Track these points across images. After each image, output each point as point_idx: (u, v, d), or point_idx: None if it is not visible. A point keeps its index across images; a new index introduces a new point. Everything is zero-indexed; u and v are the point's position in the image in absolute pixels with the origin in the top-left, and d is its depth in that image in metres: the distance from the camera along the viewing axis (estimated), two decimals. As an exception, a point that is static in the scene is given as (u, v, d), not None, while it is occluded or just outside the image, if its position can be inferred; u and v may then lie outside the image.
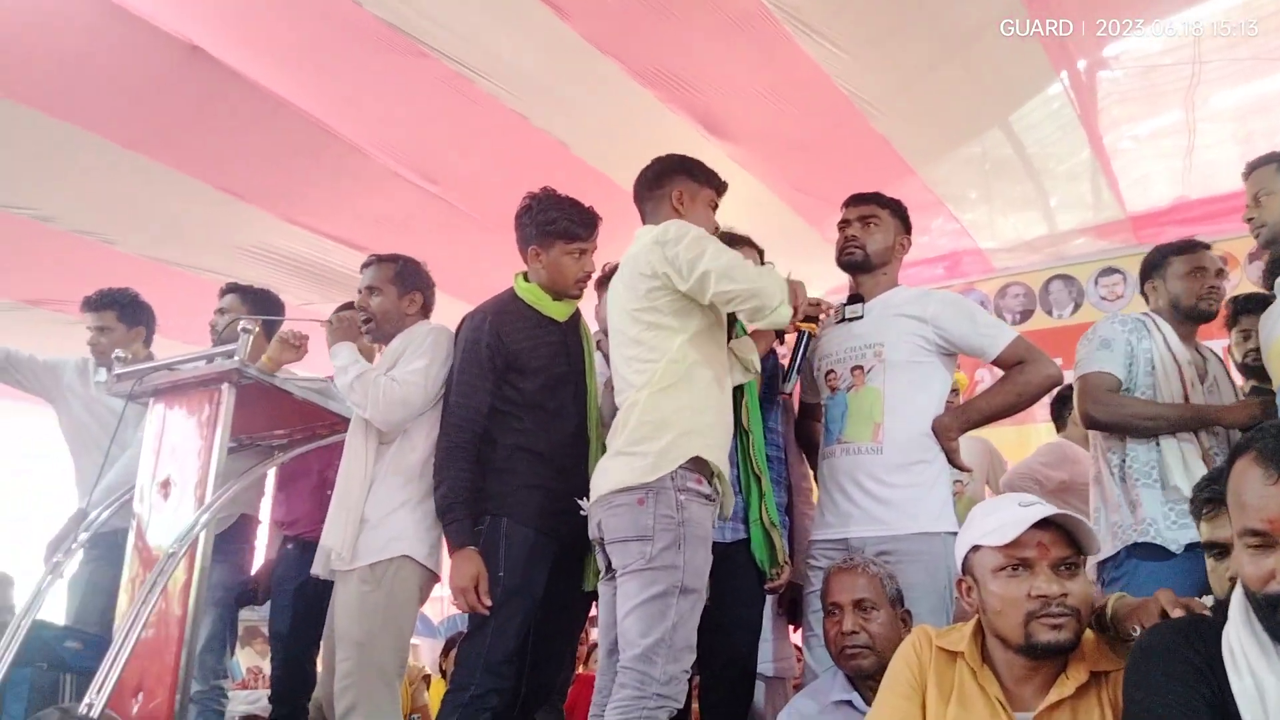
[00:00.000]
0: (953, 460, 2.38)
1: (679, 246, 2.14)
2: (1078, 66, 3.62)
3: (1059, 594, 1.50)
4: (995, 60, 3.54)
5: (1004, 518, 1.56)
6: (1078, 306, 4.98)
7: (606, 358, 2.42)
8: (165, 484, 2.57)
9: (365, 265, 2.77)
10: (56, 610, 3.11)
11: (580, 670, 3.89)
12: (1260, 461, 1.20)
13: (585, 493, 2.23)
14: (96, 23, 3.23)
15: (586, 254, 2.56)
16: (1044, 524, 1.53)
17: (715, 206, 2.41)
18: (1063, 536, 1.54)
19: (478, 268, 4.24)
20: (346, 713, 2.34)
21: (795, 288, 2.27)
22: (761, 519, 2.43)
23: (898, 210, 2.59)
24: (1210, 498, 1.61)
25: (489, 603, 2.29)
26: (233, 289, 3.35)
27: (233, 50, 3.46)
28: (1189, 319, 2.58)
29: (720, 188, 2.42)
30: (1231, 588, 1.47)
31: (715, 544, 2.36)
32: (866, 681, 2.05)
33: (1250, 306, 2.86)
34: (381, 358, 2.66)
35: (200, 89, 3.55)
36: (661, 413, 2.12)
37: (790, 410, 2.81)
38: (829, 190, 4.23)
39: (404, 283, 2.72)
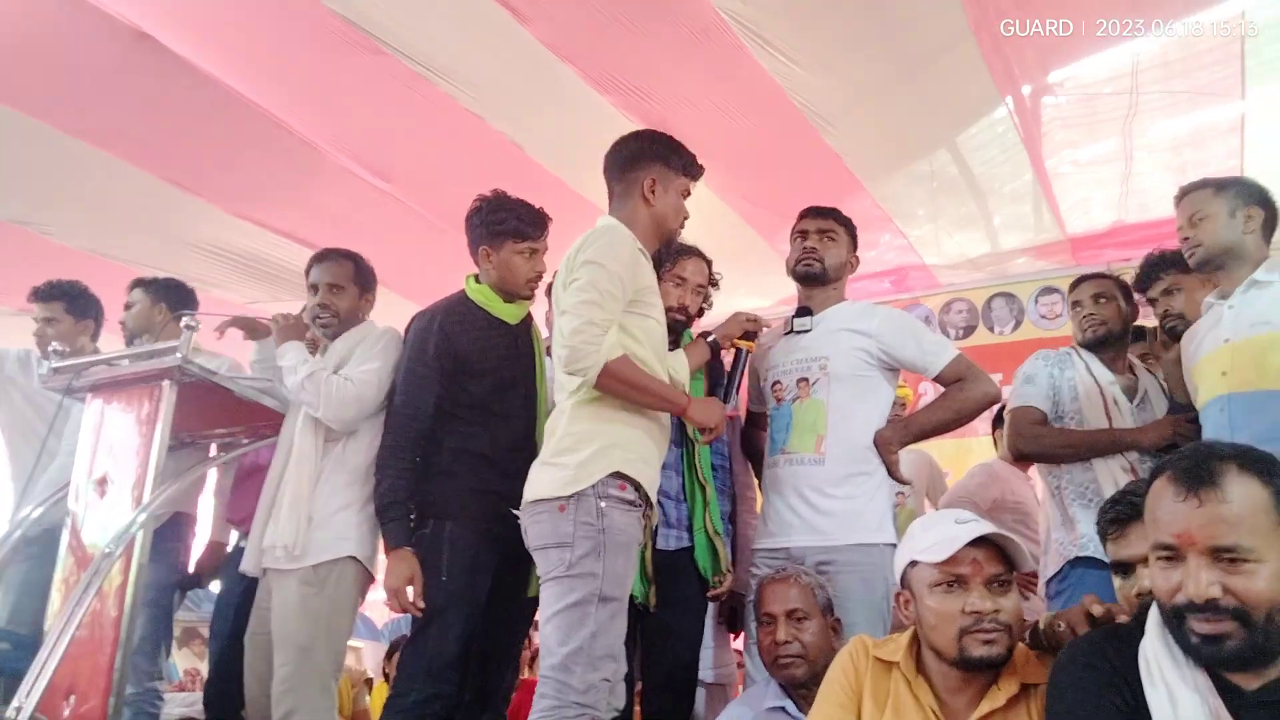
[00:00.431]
0: (893, 473, 2.43)
1: (580, 258, 2.10)
2: (1023, 92, 3.72)
3: (991, 610, 1.56)
4: (945, 82, 3.62)
5: (941, 534, 1.62)
6: (1018, 324, 5.11)
7: None
8: (102, 481, 2.51)
9: (320, 259, 2.72)
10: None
11: (525, 675, 3.88)
12: (1173, 480, 1.29)
13: None
14: (39, 3, 3.14)
15: (537, 254, 2.57)
16: (978, 541, 1.59)
17: (688, 194, 2.30)
18: (996, 554, 1.60)
19: (430, 268, 4.22)
20: (285, 717, 2.31)
21: (734, 318, 2.42)
22: (705, 527, 2.47)
23: (851, 229, 2.65)
24: (1115, 519, 1.68)
25: (422, 605, 2.29)
26: (138, 283, 3.30)
27: (182, 39, 3.39)
28: (1089, 349, 2.72)
29: (696, 174, 2.30)
30: (1138, 605, 1.55)
31: (659, 551, 2.40)
32: (799, 689, 2.10)
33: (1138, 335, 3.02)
34: (324, 356, 2.63)
35: (148, 77, 3.47)
36: (583, 424, 2.08)
37: (736, 419, 2.85)
38: (781, 203, 4.28)
39: (363, 281, 2.72)
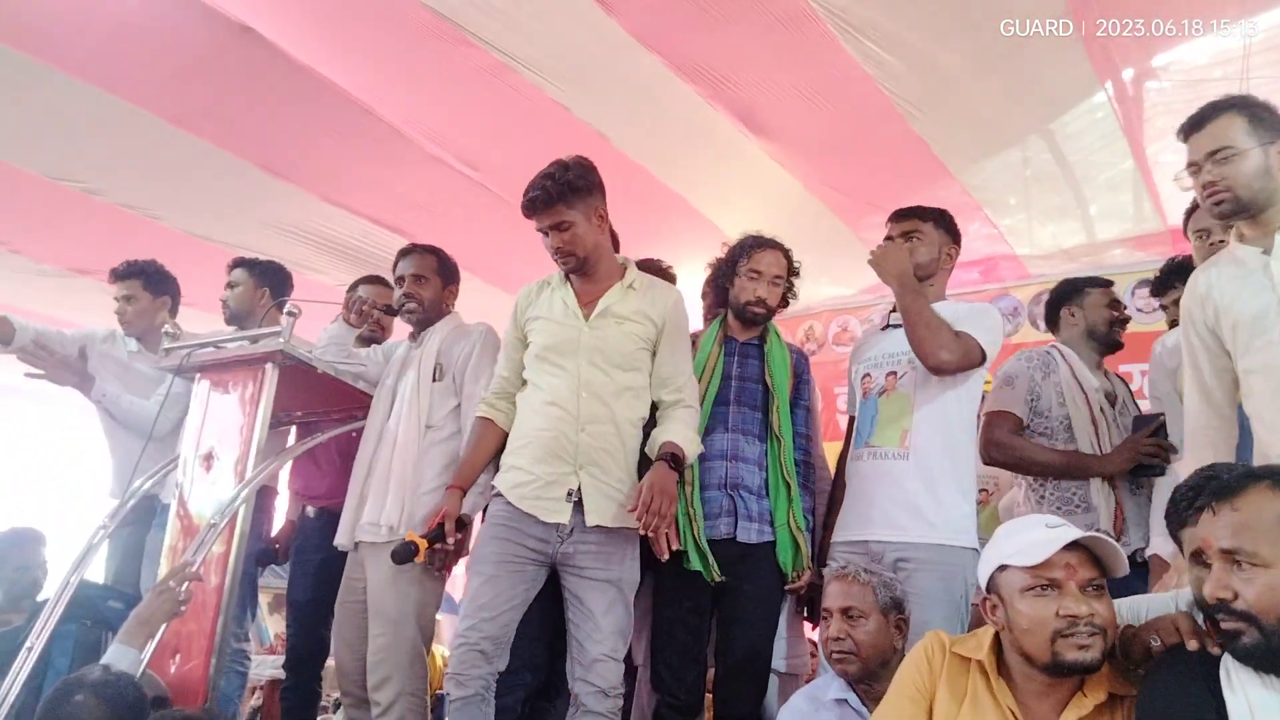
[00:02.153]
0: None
1: None
2: (1123, 77, 3.58)
3: (1087, 614, 1.53)
4: (1039, 67, 3.51)
5: (1031, 539, 1.60)
6: (1113, 317, 4.93)
7: None
8: (208, 457, 2.65)
9: (405, 253, 2.86)
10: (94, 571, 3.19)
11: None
12: (1208, 498, 1.43)
13: None
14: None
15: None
16: (1071, 546, 1.57)
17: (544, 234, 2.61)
18: (1089, 559, 1.58)
19: (514, 255, 4.29)
20: (381, 684, 2.45)
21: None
22: (789, 523, 2.48)
23: (941, 221, 2.61)
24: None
25: None
26: (240, 263, 3.42)
27: (279, 29, 3.50)
28: (1103, 345, 2.73)
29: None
30: None
31: (740, 544, 2.42)
32: (862, 683, 2.11)
33: None
34: (420, 348, 2.73)
35: (246, 66, 3.58)
36: None
37: (815, 412, 2.83)
38: (868, 191, 4.24)
39: (446, 274, 2.83)
